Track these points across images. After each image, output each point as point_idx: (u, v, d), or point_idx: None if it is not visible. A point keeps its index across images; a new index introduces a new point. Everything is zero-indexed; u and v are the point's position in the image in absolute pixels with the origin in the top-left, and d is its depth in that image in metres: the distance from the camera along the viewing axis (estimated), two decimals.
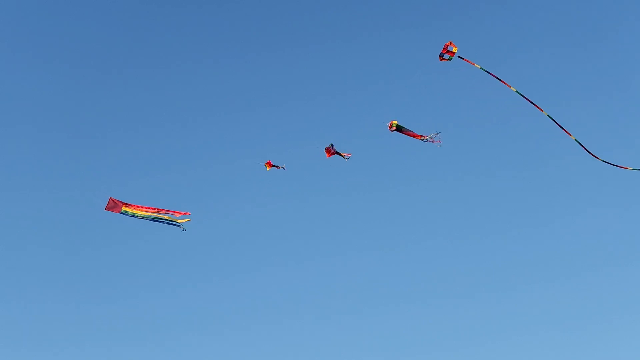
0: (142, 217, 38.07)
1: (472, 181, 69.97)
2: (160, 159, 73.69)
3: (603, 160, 37.78)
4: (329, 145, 42.45)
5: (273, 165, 44.70)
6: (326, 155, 42.53)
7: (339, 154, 42.62)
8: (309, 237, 67.58)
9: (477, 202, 69.07)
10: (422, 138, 39.73)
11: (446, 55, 36.17)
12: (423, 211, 68.87)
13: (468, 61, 36.42)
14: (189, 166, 72.07)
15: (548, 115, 36.87)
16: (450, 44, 35.98)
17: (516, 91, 36.93)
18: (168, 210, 38.47)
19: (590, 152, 37.23)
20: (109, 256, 65.54)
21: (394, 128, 39.47)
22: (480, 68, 36.07)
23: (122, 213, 37.83)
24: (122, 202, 37.72)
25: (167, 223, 38.45)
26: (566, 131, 36.94)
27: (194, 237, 58.49)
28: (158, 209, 38.30)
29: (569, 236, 65.91)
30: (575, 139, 37.02)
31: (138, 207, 38.11)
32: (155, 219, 38.27)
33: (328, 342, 59.47)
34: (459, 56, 36.18)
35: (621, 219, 65.35)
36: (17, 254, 64.99)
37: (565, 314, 59.45)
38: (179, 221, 38.45)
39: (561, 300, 60.55)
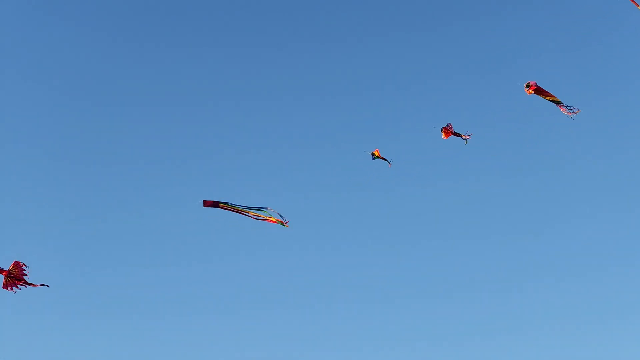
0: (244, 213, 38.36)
1: (477, 181, 70.19)
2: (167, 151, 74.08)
3: None
4: (446, 125, 39.56)
5: (380, 156, 43.56)
6: (443, 136, 39.61)
7: (459, 135, 39.90)
8: (313, 232, 67.84)
9: (481, 202, 69.15)
10: (560, 104, 36.14)
11: None
12: (426, 210, 68.97)
13: (635, 3, 32.99)
14: (198, 158, 72.37)
15: None
16: None
17: None
18: (267, 219, 38.70)
19: None
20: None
21: (533, 88, 35.45)
22: None
23: (222, 208, 38.18)
24: (216, 202, 38.25)
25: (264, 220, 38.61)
26: None
27: (201, 225, 59.61)
28: (255, 215, 38.60)
29: (570, 238, 65.98)
30: None
31: (233, 208, 38.54)
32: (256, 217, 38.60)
33: (330, 336, 59.91)
34: None
35: (627, 222, 65.45)
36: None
37: (566, 315, 59.62)
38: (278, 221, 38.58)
39: (561, 301, 60.72)
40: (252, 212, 38.10)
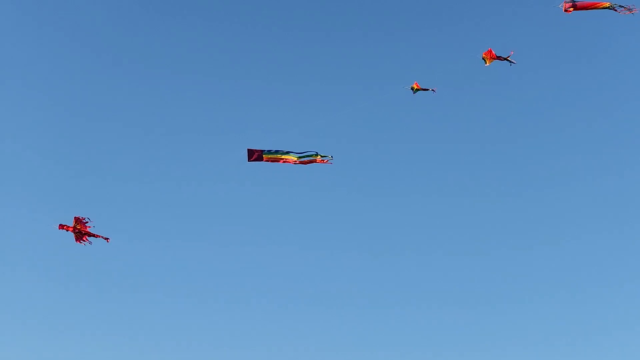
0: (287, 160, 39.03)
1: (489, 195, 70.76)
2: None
3: None
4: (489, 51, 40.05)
5: (421, 88, 44.15)
6: (487, 62, 40.24)
7: (503, 59, 40.35)
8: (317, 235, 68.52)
9: (490, 216, 69.83)
10: (611, 6, 35.06)
11: None
12: (436, 218, 69.71)
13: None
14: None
15: None
16: None
17: None
18: (310, 161, 39.32)
19: None
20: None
21: (569, 6, 35.20)
22: None
23: (266, 160, 38.96)
24: (259, 151, 38.80)
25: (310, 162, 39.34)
26: None
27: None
28: (299, 160, 39.30)
29: (572, 255, 66.66)
30: None
31: (277, 158, 39.04)
32: (300, 161, 39.13)
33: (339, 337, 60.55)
34: None
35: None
36: None
37: (564, 329, 60.35)
38: (322, 160, 39.29)
39: (567, 314, 61.45)
40: (297, 157, 38.98)
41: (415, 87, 44.46)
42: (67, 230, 37.31)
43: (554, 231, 67.45)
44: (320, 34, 79.37)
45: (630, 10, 35.69)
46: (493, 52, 40.07)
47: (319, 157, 39.07)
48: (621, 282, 63.49)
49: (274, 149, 38.55)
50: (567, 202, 69.75)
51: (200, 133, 72.33)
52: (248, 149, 38.39)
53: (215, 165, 64.62)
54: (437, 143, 72.52)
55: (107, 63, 75.99)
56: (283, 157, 38.82)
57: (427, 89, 44.43)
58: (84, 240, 37.49)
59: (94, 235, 37.45)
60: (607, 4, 35.26)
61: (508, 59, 40.34)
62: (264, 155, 38.48)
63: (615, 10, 35.66)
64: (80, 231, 37.21)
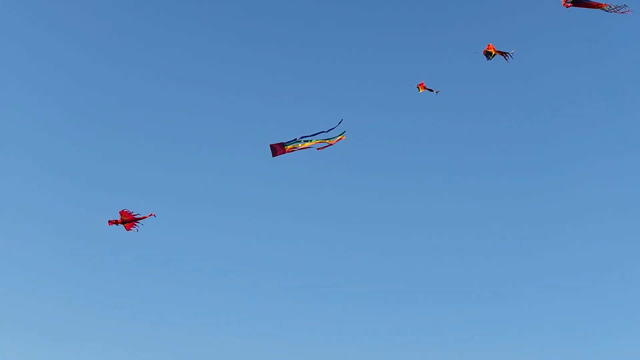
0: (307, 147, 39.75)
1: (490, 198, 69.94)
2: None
3: None
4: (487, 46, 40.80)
5: (426, 88, 44.03)
6: (490, 55, 40.57)
7: (502, 53, 40.53)
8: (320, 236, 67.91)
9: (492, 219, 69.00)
10: (605, 7, 35.75)
11: None
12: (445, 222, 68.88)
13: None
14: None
15: None
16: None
17: None
18: (324, 140, 39.91)
19: None
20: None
21: (569, 4, 35.68)
22: None
23: (288, 151, 39.58)
24: (281, 145, 39.44)
25: (328, 145, 40.00)
26: None
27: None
28: (316, 141, 39.94)
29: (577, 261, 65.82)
30: None
31: (297, 146, 39.67)
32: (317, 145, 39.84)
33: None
34: None
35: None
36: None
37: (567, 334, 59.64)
38: (335, 140, 39.93)
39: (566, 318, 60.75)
40: (316, 141, 39.08)
41: (421, 88, 44.27)
42: (117, 224, 39.88)
43: (564, 234, 66.46)
44: (317, 31, 78.33)
45: (620, 10, 35.97)
46: (493, 46, 39.91)
47: (334, 140, 39.24)
48: (627, 286, 62.43)
49: (291, 139, 38.99)
50: (577, 205, 68.73)
51: (221, 125, 71.56)
52: (270, 145, 38.48)
53: (234, 159, 64.35)
54: (446, 144, 71.38)
55: (138, 58, 75.33)
56: (304, 144, 39.02)
57: (432, 90, 44.29)
58: (133, 227, 39.96)
59: (140, 219, 39.85)
60: (604, 5, 35.85)
61: (507, 54, 40.05)
62: (285, 147, 38.71)
63: (606, 11, 36.13)
64: (128, 220, 39.69)
